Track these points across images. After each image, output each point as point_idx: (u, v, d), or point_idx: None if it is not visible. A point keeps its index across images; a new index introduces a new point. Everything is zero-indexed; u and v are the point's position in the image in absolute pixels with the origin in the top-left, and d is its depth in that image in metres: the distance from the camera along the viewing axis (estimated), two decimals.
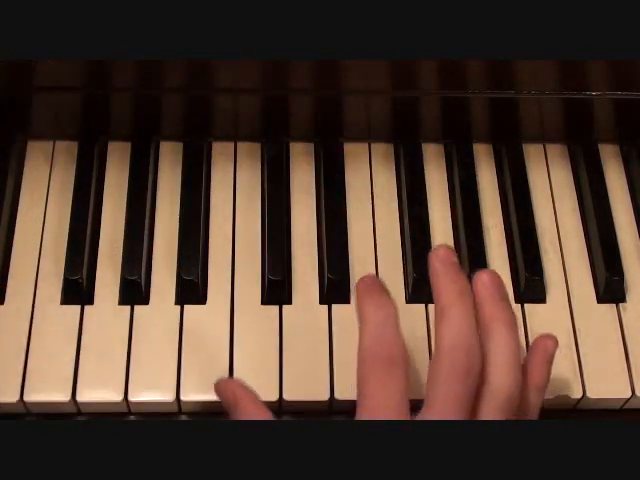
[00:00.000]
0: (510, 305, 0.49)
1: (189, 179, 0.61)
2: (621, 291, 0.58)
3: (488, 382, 0.47)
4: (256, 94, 0.59)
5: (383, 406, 0.45)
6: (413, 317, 0.56)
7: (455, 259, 0.49)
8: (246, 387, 0.51)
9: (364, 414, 0.46)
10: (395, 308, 0.48)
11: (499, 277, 0.50)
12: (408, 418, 0.46)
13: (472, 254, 0.58)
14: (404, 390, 0.46)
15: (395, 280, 0.58)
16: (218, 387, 0.52)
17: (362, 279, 0.50)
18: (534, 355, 0.50)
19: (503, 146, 0.64)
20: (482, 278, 0.49)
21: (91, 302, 0.56)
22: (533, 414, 0.49)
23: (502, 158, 0.63)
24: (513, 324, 0.48)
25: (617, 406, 0.56)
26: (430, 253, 0.49)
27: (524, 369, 0.49)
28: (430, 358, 0.54)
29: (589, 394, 0.55)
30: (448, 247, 0.49)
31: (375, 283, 0.50)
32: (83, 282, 0.56)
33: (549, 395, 0.54)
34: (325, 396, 0.54)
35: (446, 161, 0.64)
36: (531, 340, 0.56)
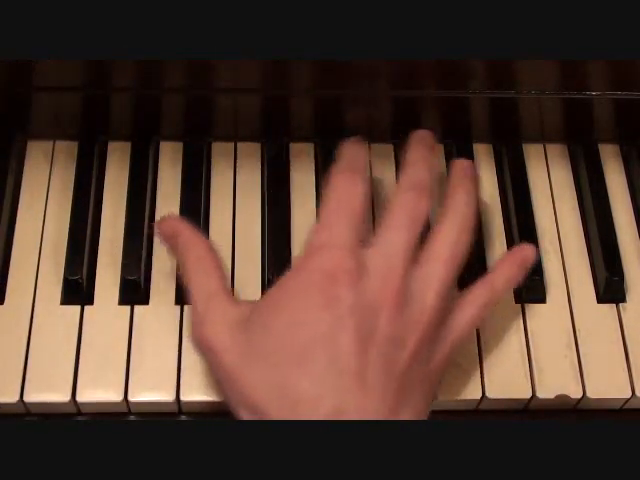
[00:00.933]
0: (476, 183, 0.55)
1: (189, 179, 0.61)
2: (621, 291, 0.58)
3: (434, 233, 0.51)
4: (256, 94, 0.59)
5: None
6: None
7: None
8: (188, 224, 0.54)
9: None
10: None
11: (473, 165, 0.56)
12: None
13: (472, 254, 0.58)
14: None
15: None
16: (159, 223, 0.54)
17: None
18: (508, 253, 0.55)
19: (503, 146, 0.64)
20: (459, 162, 0.56)
21: (91, 302, 0.56)
22: (477, 306, 0.52)
23: (502, 158, 0.63)
24: (472, 194, 0.54)
25: (617, 406, 0.56)
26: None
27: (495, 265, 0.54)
28: None
29: (589, 394, 0.55)
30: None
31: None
32: (83, 282, 0.56)
33: (549, 395, 0.54)
34: None
35: (446, 161, 0.64)
36: (531, 341, 0.56)
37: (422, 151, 0.55)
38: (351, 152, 0.54)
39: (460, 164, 0.56)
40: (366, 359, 0.46)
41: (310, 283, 0.48)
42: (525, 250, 0.55)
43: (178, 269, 0.57)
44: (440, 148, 0.64)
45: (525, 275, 0.54)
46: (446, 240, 0.51)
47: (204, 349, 0.49)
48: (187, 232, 0.53)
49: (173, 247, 0.54)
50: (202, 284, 0.51)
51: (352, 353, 0.46)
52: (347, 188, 0.51)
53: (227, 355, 0.48)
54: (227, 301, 0.50)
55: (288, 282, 0.49)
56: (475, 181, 0.55)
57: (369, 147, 0.63)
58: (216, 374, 0.49)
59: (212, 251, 0.52)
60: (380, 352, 0.46)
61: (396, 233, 0.50)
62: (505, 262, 0.54)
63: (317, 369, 0.46)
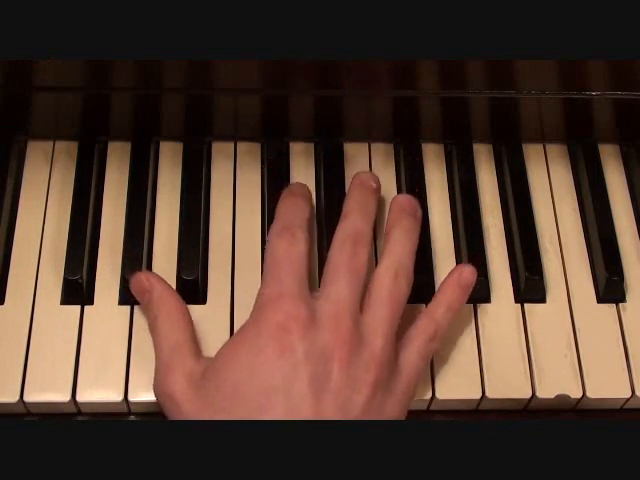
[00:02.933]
0: (416, 219, 0.56)
1: (189, 179, 0.61)
2: (621, 291, 0.58)
3: (373, 277, 0.52)
4: (256, 94, 0.59)
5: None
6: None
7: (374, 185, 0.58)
8: (161, 278, 0.55)
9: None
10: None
11: (413, 200, 0.57)
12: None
13: (472, 254, 0.58)
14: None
15: None
16: (134, 278, 0.55)
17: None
18: (446, 277, 0.55)
19: (503, 146, 0.64)
20: (397, 198, 0.57)
21: (91, 302, 0.56)
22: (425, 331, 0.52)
23: (502, 158, 0.63)
24: (410, 230, 0.55)
25: (617, 406, 0.56)
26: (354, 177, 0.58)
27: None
28: None
29: (589, 394, 0.55)
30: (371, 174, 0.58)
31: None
32: (83, 282, 0.56)
33: (549, 395, 0.54)
34: None
35: (446, 161, 0.64)
36: (531, 341, 0.56)
37: (359, 197, 0.56)
38: (290, 203, 0.56)
39: (399, 200, 0.57)
40: (321, 405, 0.47)
41: (264, 335, 0.49)
42: (463, 272, 0.55)
43: (179, 270, 0.57)
44: (440, 148, 0.64)
45: (467, 297, 0.55)
46: (383, 283, 0.52)
47: (164, 397, 0.50)
48: (160, 286, 0.54)
49: (145, 301, 0.54)
50: (169, 336, 0.52)
51: (308, 401, 0.46)
52: (289, 245, 0.52)
53: (185, 406, 0.49)
54: (190, 354, 0.51)
55: (242, 336, 0.50)
56: (415, 216, 0.56)
57: (369, 147, 0.64)
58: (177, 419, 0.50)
59: (183, 307, 0.54)
60: (335, 398, 0.47)
61: (339, 285, 0.51)
62: (445, 286, 0.55)
63: (274, 417, 0.46)
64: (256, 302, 0.51)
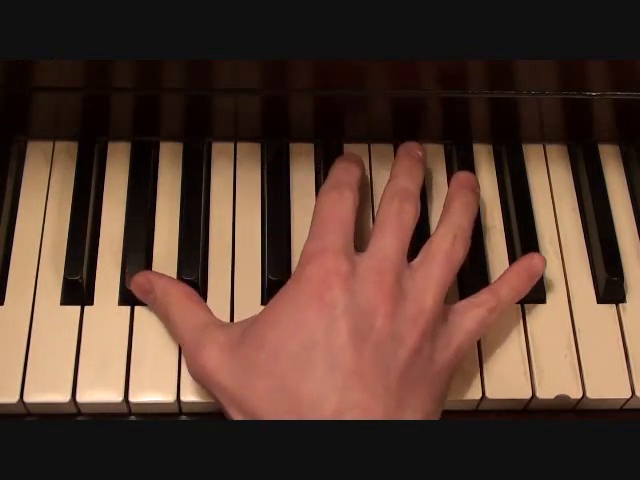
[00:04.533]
0: (475, 195, 0.57)
1: (189, 179, 0.61)
2: (621, 291, 0.58)
3: (430, 239, 0.53)
4: (256, 94, 0.59)
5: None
6: None
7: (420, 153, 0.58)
8: (158, 273, 0.55)
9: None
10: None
11: (472, 176, 0.58)
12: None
13: (472, 254, 0.58)
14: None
15: None
16: (133, 281, 0.55)
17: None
18: (516, 262, 0.56)
19: (503, 146, 0.64)
20: (457, 175, 0.58)
21: (91, 302, 0.56)
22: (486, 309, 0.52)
23: (502, 158, 0.64)
24: (470, 204, 0.56)
25: (617, 406, 0.56)
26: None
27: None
28: None
29: (589, 394, 0.55)
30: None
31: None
32: (83, 282, 0.56)
33: (549, 395, 0.54)
34: None
35: (446, 161, 0.64)
36: (531, 341, 0.56)
37: (406, 163, 0.57)
38: (342, 167, 0.56)
39: (460, 176, 0.58)
40: (362, 357, 0.46)
41: (304, 290, 0.48)
42: (534, 259, 0.55)
43: (179, 270, 0.57)
44: (440, 148, 0.64)
45: (533, 285, 0.55)
46: (441, 245, 0.52)
47: (203, 378, 0.50)
48: (163, 280, 0.54)
49: (151, 301, 0.54)
50: (188, 320, 0.52)
51: (348, 353, 0.46)
52: (335, 201, 0.53)
53: (225, 376, 0.48)
54: (216, 326, 0.51)
55: (284, 294, 0.50)
56: (474, 192, 0.57)
57: (369, 147, 0.64)
58: (220, 399, 0.49)
59: (190, 291, 0.54)
60: (377, 350, 0.47)
61: (386, 239, 0.51)
62: (512, 271, 0.55)
63: (315, 372, 0.46)
64: (300, 259, 0.51)
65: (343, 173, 0.56)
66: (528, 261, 0.55)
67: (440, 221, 0.55)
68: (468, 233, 0.54)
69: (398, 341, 0.48)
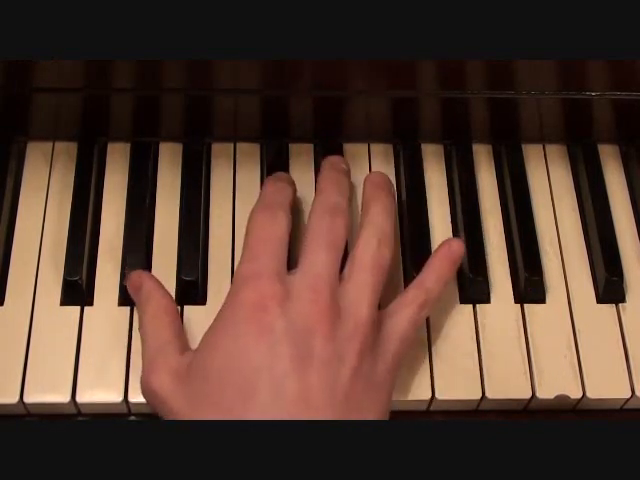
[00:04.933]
0: (392, 195, 0.56)
1: (189, 179, 0.61)
2: (621, 291, 0.58)
3: (355, 246, 0.52)
4: (256, 94, 0.59)
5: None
6: None
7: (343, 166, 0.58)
8: (152, 275, 0.55)
9: None
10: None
11: (386, 176, 0.58)
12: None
13: (472, 254, 0.58)
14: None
15: (395, 278, 0.58)
16: (128, 277, 0.55)
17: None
18: (435, 250, 0.55)
19: (503, 146, 0.64)
20: (370, 176, 0.58)
21: (91, 303, 0.56)
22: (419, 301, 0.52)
23: (502, 158, 0.63)
24: (388, 205, 0.55)
25: (617, 406, 0.56)
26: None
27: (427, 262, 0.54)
28: None
29: (589, 394, 0.55)
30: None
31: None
32: (83, 283, 0.56)
33: (549, 395, 0.54)
34: None
35: (446, 161, 0.64)
36: (531, 341, 0.56)
37: (332, 174, 0.56)
38: (273, 188, 0.56)
39: (373, 177, 0.58)
40: (307, 382, 0.46)
41: (241, 317, 0.48)
42: (452, 245, 0.55)
43: (179, 270, 0.57)
44: (440, 148, 0.64)
45: (456, 269, 0.55)
46: (367, 249, 0.52)
47: (150, 396, 0.50)
48: (149, 283, 0.54)
49: (137, 299, 0.54)
50: (155, 335, 0.52)
51: (292, 379, 0.46)
52: (268, 223, 0.52)
53: (173, 402, 0.48)
54: (174, 350, 0.51)
55: (220, 320, 0.50)
56: (391, 193, 0.57)
57: (369, 147, 0.64)
58: (169, 417, 0.49)
59: (169, 304, 0.53)
60: (320, 372, 0.47)
61: (317, 256, 0.51)
62: (434, 259, 0.55)
63: (261, 401, 0.46)
64: (233, 281, 0.51)
65: (275, 193, 0.55)
66: (447, 248, 0.55)
67: (361, 227, 0.54)
68: (392, 236, 0.53)
69: (339, 361, 0.47)
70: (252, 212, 0.54)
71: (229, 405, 0.46)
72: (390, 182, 0.58)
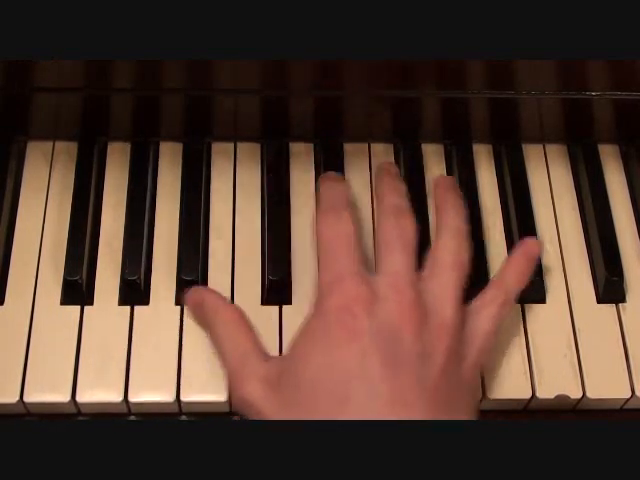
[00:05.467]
0: (460, 195, 0.57)
1: (189, 179, 0.61)
2: (621, 291, 0.58)
3: (434, 246, 0.53)
4: (256, 94, 0.59)
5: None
6: None
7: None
8: (210, 289, 0.56)
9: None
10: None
11: (453, 179, 0.60)
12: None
13: (472, 254, 0.58)
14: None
15: None
16: (186, 294, 0.55)
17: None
18: (513, 249, 0.56)
19: (503, 146, 0.64)
20: (438, 179, 0.59)
21: (91, 302, 0.56)
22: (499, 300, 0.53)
23: (502, 158, 0.64)
24: (460, 205, 0.56)
25: (617, 406, 0.56)
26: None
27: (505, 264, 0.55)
28: None
29: (589, 394, 0.55)
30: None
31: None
32: (83, 282, 0.56)
33: (549, 395, 0.54)
34: None
35: (446, 161, 0.64)
36: (531, 341, 0.56)
37: (388, 180, 0.57)
38: (330, 189, 0.56)
39: (442, 180, 0.59)
40: (398, 383, 0.46)
41: (329, 323, 0.48)
42: (529, 243, 0.56)
43: (179, 270, 0.57)
44: (440, 148, 0.64)
45: (534, 267, 0.56)
46: (448, 249, 0.53)
47: (246, 407, 0.50)
48: (212, 297, 0.54)
49: (200, 316, 0.55)
50: (233, 345, 0.52)
51: (383, 382, 0.46)
52: (335, 224, 0.52)
53: (267, 410, 0.48)
54: (259, 359, 0.51)
55: (309, 328, 0.50)
56: (459, 193, 0.58)
57: (369, 147, 0.64)
58: None
59: (239, 312, 0.54)
60: (410, 373, 0.47)
61: (393, 256, 0.51)
62: (512, 258, 0.55)
63: (355, 404, 0.46)
64: (317, 290, 0.51)
65: (333, 194, 0.56)
66: (523, 246, 0.56)
67: (439, 228, 0.55)
68: (467, 234, 0.54)
69: (428, 359, 0.48)
70: (317, 217, 0.54)
71: (324, 411, 0.46)
72: (456, 184, 0.59)
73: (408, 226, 0.53)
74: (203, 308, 0.54)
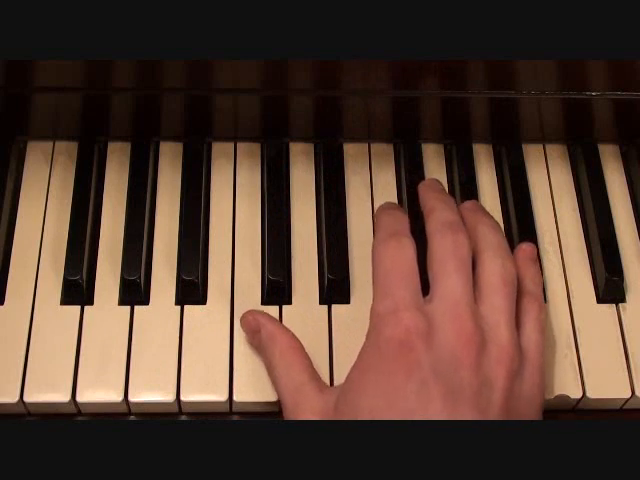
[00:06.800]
0: (489, 215, 0.56)
1: (189, 179, 0.61)
2: (621, 291, 0.58)
3: (478, 269, 0.52)
4: (256, 94, 0.59)
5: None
6: None
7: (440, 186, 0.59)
8: (268, 315, 0.54)
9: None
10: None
11: (478, 202, 0.59)
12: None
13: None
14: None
15: None
16: (243, 318, 0.54)
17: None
18: (516, 257, 0.54)
19: (503, 146, 0.64)
20: (464, 204, 0.57)
21: (91, 302, 0.56)
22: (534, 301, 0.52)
23: (502, 158, 0.64)
24: (493, 223, 0.55)
25: (617, 406, 0.56)
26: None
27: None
28: None
29: (589, 394, 0.55)
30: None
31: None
32: (83, 282, 0.56)
33: (549, 395, 0.54)
34: None
35: (446, 161, 0.64)
36: None
37: (435, 194, 0.56)
38: (390, 216, 0.55)
39: (468, 205, 0.57)
40: (460, 416, 0.46)
41: (388, 356, 0.48)
42: (526, 250, 0.55)
43: (179, 270, 0.57)
44: (440, 148, 0.64)
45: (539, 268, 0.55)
46: (493, 271, 0.51)
47: None
48: (269, 326, 0.54)
49: (257, 342, 0.54)
50: (289, 376, 0.51)
51: (444, 415, 0.46)
52: (396, 252, 0.51)
53: None
54: (314, 391, 0.50)
55: (366, 360, 0.49)
56: (487, 213, 0.57)
57: (369, 147, 0.64)
58: None
59: (295, 342, 0.53)
60: (472, 404, 0.46)
61: (449, 279, 0.50)
62: (520, 267, 0.54)
63: None
64: (371, 320, 0.50)
65: (394, 221, 0.54)
66: (522, 252, 0.55)
67: (477, 249, 0.53)
68: (509, 251, 0.53)
69: (489, 387, 0.47)
70: (376, 242, 0.53)
71: None
72: (481, 205, 0.58)
73: (463, 244, 0.51)
74: (260, 335, 0.53)
